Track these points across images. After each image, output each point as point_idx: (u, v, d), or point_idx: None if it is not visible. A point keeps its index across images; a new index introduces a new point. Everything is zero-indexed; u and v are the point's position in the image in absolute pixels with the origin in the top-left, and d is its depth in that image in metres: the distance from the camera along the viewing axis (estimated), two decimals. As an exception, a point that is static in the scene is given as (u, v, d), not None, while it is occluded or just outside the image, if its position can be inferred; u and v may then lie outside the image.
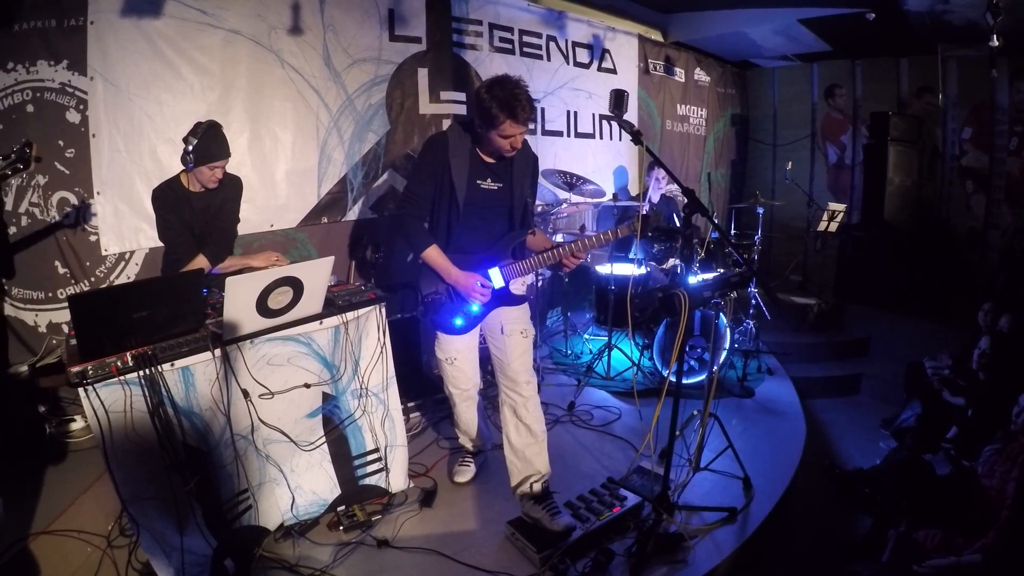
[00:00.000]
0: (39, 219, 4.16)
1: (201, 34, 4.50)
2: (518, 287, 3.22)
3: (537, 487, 3.17)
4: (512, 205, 3.18)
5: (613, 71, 7.71)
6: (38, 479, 3.71)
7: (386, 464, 3.39)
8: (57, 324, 4.27)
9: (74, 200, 4.21)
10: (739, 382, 5.35)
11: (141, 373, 2.43)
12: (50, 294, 4.26)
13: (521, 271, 3.16)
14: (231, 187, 3.80)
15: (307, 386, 3.03)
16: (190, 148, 3.36)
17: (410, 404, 4.42)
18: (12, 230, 4.09)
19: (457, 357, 3.36)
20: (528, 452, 3.20)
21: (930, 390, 5.05)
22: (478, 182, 3.08)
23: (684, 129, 9.05)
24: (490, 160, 3.09)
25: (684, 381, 4.72)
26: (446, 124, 5.65)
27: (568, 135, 7.30)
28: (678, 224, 6.16)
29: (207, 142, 3.40)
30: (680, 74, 8.82)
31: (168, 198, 3.55)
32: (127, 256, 4.42)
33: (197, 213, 3.61)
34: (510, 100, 2.79)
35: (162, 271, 3.84)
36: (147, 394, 2.46)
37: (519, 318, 3.25)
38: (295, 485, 3.12)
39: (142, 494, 2.52)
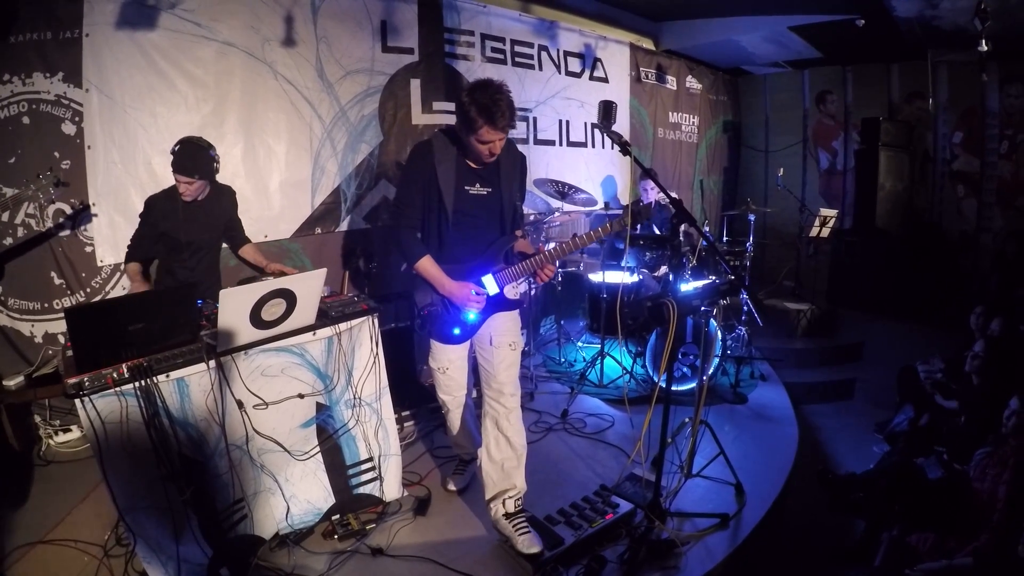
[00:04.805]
0: (35, 230, 4.18)
1: (195, 46, 4.54)
2: (512, 292, 3.21)
3: (511, 504, 3.16)
4: (503, 209, 3.14)
5: (605, 80, 7.76)
6: (35, 489, 3.73)
7: (380, 473, 3.41)
8: (53, 335, 4.29)
9: (70, 211, 4.24)
10: (732, 388, 5.38)
11: (137, 384, 2.46)
12: (46, 304, 4.28)
13: (515, 275, 3.12)
14: (225, 196, 3.93)
15: (301, 396, 3.05)
16: (172, 158, 3.52)
17: (404, 413, 4.42)
18: (8, 240, 4.11)
19: (449, 367, 3.35)
20: (507, 465, 3.17)
21: (923, 394, 5.08)
22: (466, 188, 3.03)
23: (676, 137, 9.09)
24: (476, 165, 3.04)
25: (677, 388, 4.76)
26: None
27: (560, 144, 7.34)
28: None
29: (179, 156, 3.51)
30: (672, 82, 8.87)
31: (155, 206, 3.69)
32: (122, 267, 4.44)
33: (183, 222, 3.68)
34: (489, 105, 2.74)
35: (155, 282, 3.88)
36: (143, 405, 2.49)
37: (509, 329, 3.22)
38: (290, 494, 3.14)
39: (138, 504, 2.54)
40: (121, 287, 4.46)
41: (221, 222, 3.92)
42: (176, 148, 3.51)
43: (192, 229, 3.73)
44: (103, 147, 4.28)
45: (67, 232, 4.27)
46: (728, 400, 5.25)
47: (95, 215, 4.31)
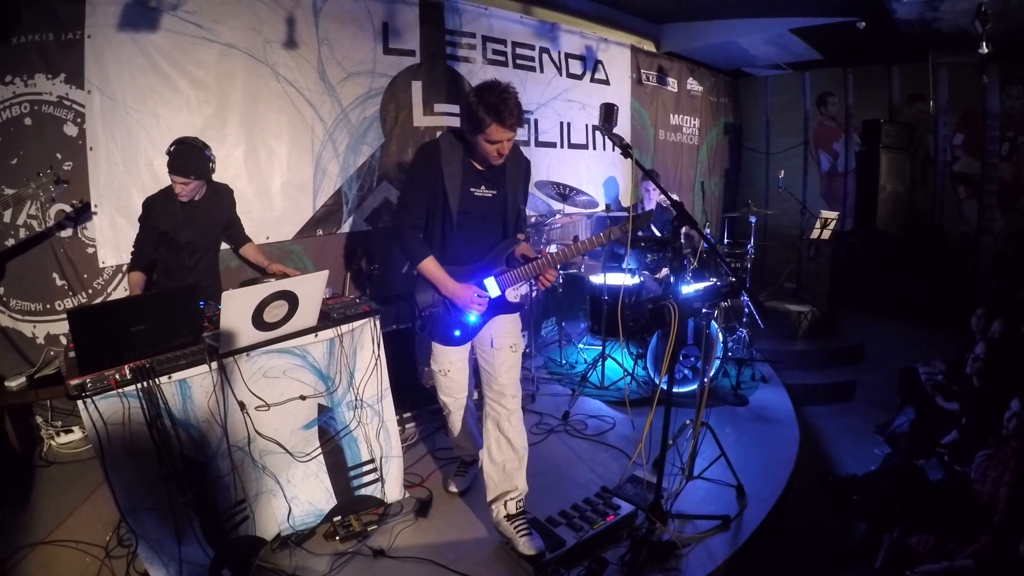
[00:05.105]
0: (37, 231, 4.18)
1: (197, 48, 4.55)
2: (513, 295, 3.20)
3: (512, 506, 3.16)
4: (506, 212, 3.15)
5: (606, 82, 7.76)
6: (36, 490, 3.74)
7: (381, 475, 3.42)
8: (55, 336, 4.29)
9: (73, 216, 4.24)
10: (733, 390, 5.37)
11: (139, 386, 2.47)
12: (48, 306, 4.28)
13: (517, 278, 3.12)
14: (223, 196, 3.95)
15: (303, 398, 3.06)
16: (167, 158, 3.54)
17: (405, 415, 4.43)
18: (9, 241, 4.12)
19: (451, 369, 3.35)
20: (508, 467, 3.17)
21: (924, 396, 5.07)
22: (472, 190, 3.03)
23: (677, 139, 9.09)
24: (482, 167, 3.04)
25: (678, 390, 4.76)
26: (440, 136, 5.71)
27: (561, 146, 7.34)
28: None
29: (174, 156, 3.53)
30: (673, 84, 8.87)
31: (153, 206, 3.71)
32: (124, 268, 4.43)
33: (180, 222, 3.69)
34: (497, 103, 2.75)
35: (153, 283, 3.89)
36: (145, 406, 2.50)
37: (510, 331, 3.22)
38: (292, 496, 3.14)
39: (140, 505, 2.55)
40: (123, 288, 4.46)
41: (219, 221, 3.93)
42: (171, 149, 3.53)
43: (189, 229, 3.74)
44: (105, 148, 4.28)
45: (69, 233, 4.28)
46: (729, 402, 5.25)
47: (95, 213, 4.32)
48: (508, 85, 2.82)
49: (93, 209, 4.29)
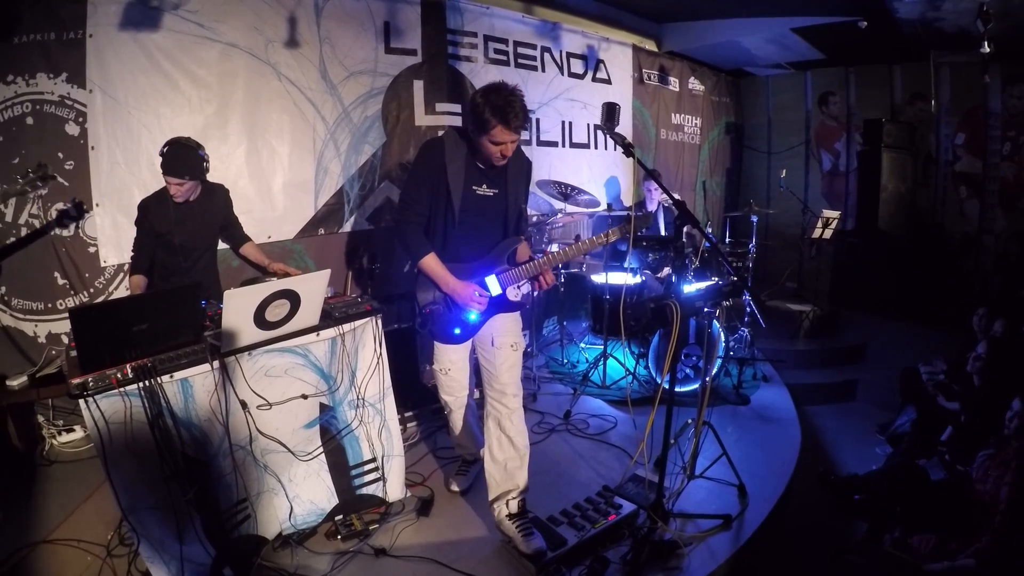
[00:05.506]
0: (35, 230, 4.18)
1: (198, 47, 4.55)
2: (514, 294, 3.20)
3: (514, 505, 3.16)
4: (507, 211, 3.16)
5: (608, 81, 7.76)
6: (37, 489, 3.74)
7: (383, 474, 3.41)
8: (56, 335, 4.30)
9: (74, 213, 4.23)
10: (734, 389, 5.37)
11: (141, 385, 2.46)
12: (49, 305, 4.29)
13: (517, 277, 3.12)
14: (218, 195, 3.92)
15: (304, 397, 3.05)
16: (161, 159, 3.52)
17: (407, 414, 4.44)
18: (11, 240, 4.12)
19: (451, 368, 3.37)
20: (510, 465, 3.18)
21: (925, 395, 5.07)
22: (474, 188, 3.05)
23: (679, 138, 9.09)
24: (485, 166, 3.05)
25: (680, 389, 4.76)
26: (442, 135, 5.71)
27: (563, 145, 7.34)
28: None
29: (168, 158, 3.51)
30: (674, 83, 8.87)
31: (149, 208, 3.69)
32: (126, 268, 4.43)
33: (174, 223, 3.68)
34: (503, 106, 2.77)
35: (153, 285, 3.89)
36: (147, 405, 2.49)
37: (511, 330, 3.22)
38: (293, 495, 3.14)
39: (142, 504, 2.54)
40: (124, 288, 4.47)
41: (215, 222, 3.91)
42: (164, 150, 3.51)
43: (185, 230, 3.73)
44: (107, 148, 4.29)
45: (70, 233, 4.28)
46: (731, 401, 5.24)
47: (87, 212, 4.29)
48: (515, 88, 2.84)
49: (88, 208, 4.27)
